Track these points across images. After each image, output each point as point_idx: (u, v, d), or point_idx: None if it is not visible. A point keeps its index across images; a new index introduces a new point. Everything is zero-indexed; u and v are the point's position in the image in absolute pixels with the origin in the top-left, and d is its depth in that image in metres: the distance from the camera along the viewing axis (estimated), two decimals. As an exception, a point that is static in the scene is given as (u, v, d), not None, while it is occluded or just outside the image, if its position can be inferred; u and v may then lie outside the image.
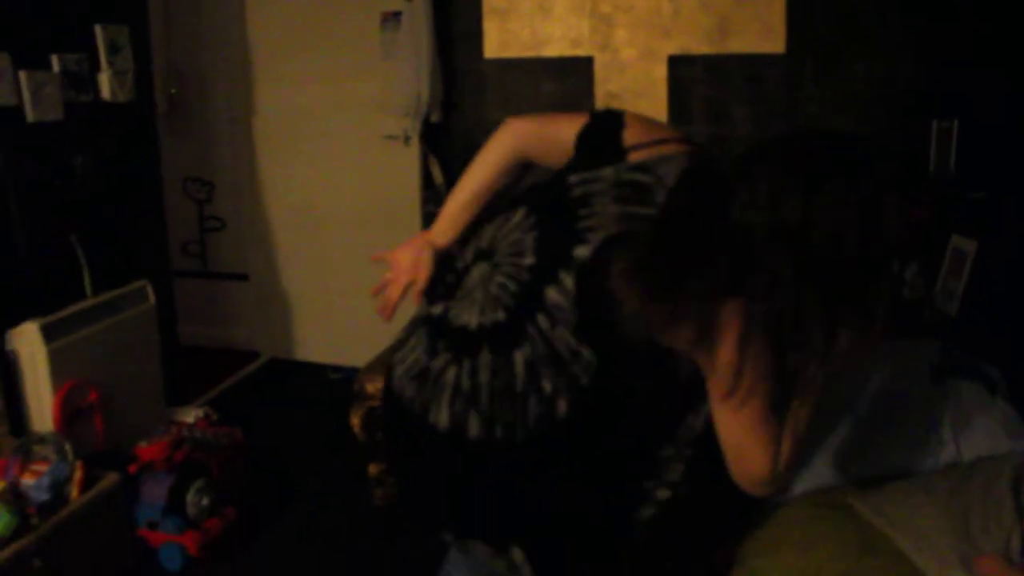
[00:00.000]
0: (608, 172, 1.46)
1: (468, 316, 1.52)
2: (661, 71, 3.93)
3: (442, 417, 1.49)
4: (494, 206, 1.65)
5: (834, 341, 1.28)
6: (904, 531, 1.82)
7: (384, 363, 1.76)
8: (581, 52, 3.98)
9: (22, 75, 2.84)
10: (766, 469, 1.37)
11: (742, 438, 1.36)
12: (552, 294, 1.44)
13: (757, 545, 1.92)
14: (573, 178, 1.49)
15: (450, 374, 1.50)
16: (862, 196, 1.26)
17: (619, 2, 3.90)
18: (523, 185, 1.64)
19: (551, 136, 1.63)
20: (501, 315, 1.48)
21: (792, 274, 1.26)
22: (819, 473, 2.01)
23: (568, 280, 1.43)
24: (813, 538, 1.87)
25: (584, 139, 1.56)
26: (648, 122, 1.57)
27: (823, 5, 3.69)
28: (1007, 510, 1.78)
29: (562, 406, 1.41)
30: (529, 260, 1.49)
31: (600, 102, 3.98)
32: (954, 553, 1.74)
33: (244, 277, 4.60)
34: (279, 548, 2.89)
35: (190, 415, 3.36)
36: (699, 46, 3.87)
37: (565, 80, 4.04)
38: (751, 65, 3.82)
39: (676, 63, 3.90)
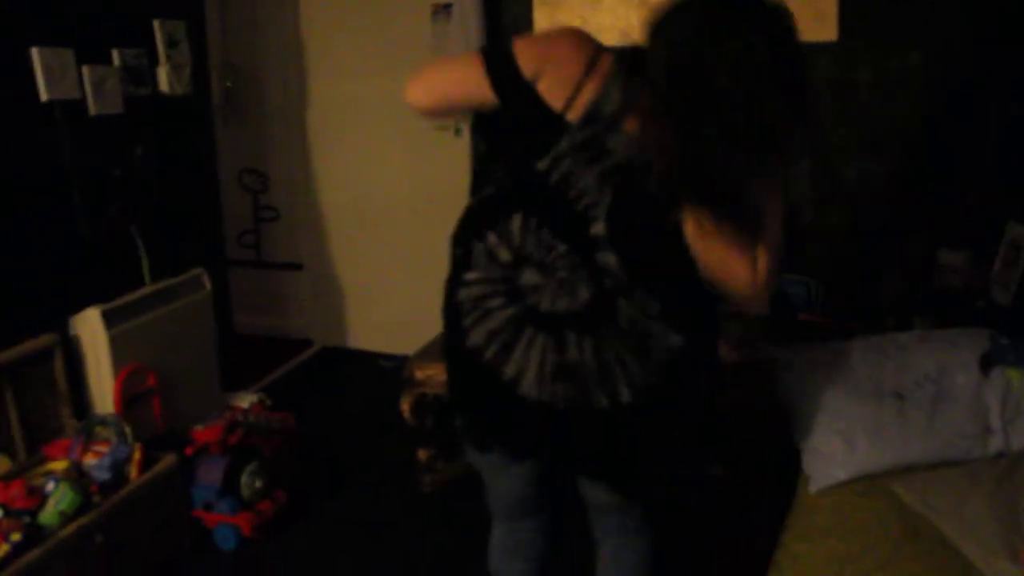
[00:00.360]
0: (564, 145, 1.52)
1: (549, 303, 1.58)
2: (711, 59, 3.90)
3: (531, 391, 1.60)
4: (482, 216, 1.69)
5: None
6: (949, 519, 1.81)
7: (434, 350, 1.82)
8: (631, 42, 3.97)
9: (85, 70, 2.94)
10: (749, 277, 1.53)
11: (724, 256, 1.52)
12: (605, 263, 1.54)
13: (800, 530, 1.92)
14: (541, 165, 1.54)
15: (535, 350, 1.59)
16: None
17: (669, -9, 3.88)
18: (491, 186, 1.66)
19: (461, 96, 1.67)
20: (585, 296, 1.56)
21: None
22: (864, 460, 2.00)
23: (608, 257, 1.53)
24: (856, 524, 1.87)
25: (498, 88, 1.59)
26: (539, 44, 1.60)
27: (876, -11, 3.63)
28: (1056, 500, 1.75)
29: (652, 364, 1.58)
30: (563, 247, 1.56)
31: (649, 91, 3.97)
32: (1001, 543, 1.73)
33: (298, 267, 4.69)
34: (329, 531, 2.95)
35: (245, 401, 3.45)
36: (751, 34, 3.83)
37: (614, 70, 4.03)
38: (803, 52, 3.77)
39: (727, 52, 3.86)
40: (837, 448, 2.01)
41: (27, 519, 2.32)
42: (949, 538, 1.78)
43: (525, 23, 4.08)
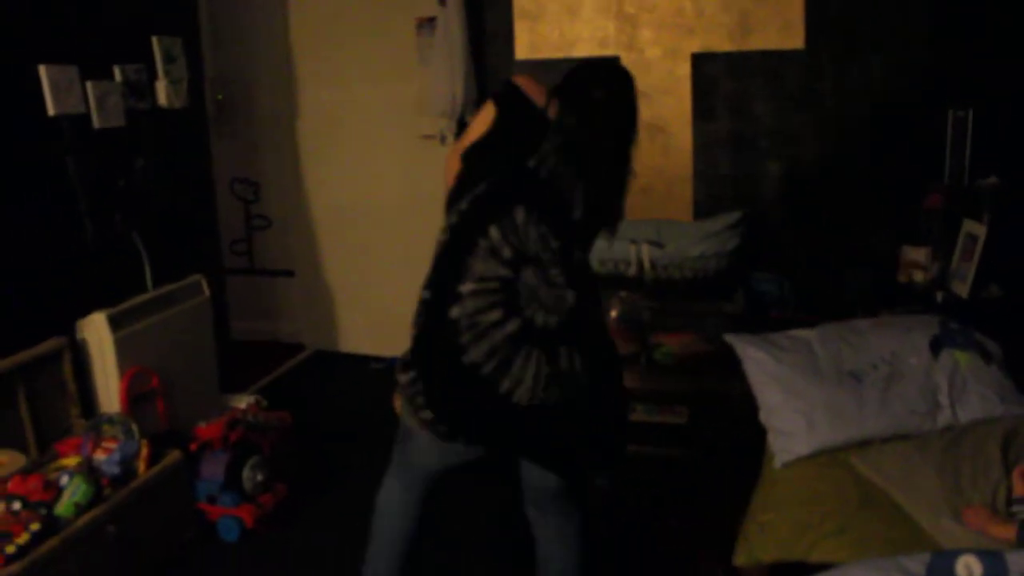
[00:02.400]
0: (547, 146, 1.80)
1: (541, 318, 1.76)
2: (685, 69, 4.08)
3: (523, 398, 1.77)
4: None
5: None
6: (899, 486, 1.98)
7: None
8: (608, 52, 4.14)
9: (89, 85, 3.09)
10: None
11: None
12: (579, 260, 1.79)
13: (767, 501, 2.09)
14: (531, 163, 1.80)
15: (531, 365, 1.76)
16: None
17: (643, 3, 4.07)
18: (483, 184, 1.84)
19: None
20: (571, 302, 1.76)
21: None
22: (824, 436, 2.17)
23: (578, 253, 1.79)
24: (817, 494, 2.04)
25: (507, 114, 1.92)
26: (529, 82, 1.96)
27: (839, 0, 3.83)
28: (995, 466, 1.94)
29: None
30: (556, 243, 1.76)
31: (626, 100, 4.14)
32: (945, 505, 1.90)
33: (290, 273, 4.84)
34: (327, 523, 3.09)
35: (242, 401, 3.59)
36: (721, 44, 4.02)
37: (592, 79, 4.20)
38: (771, 61, 3.96)
39: (699, 61, 4.05)
40: (799, 426, 2.19)
41: (44, 511, 2.46)
42: (900, 503, 1.95)
43: (506, 36, 4.25)
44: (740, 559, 1.97)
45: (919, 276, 3.42)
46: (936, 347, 2.30)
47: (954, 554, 1.67)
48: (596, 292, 1.92)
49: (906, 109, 3.80)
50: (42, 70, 2.91)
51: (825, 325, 2.51)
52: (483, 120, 1.91)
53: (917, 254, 3.47)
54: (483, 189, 1.79)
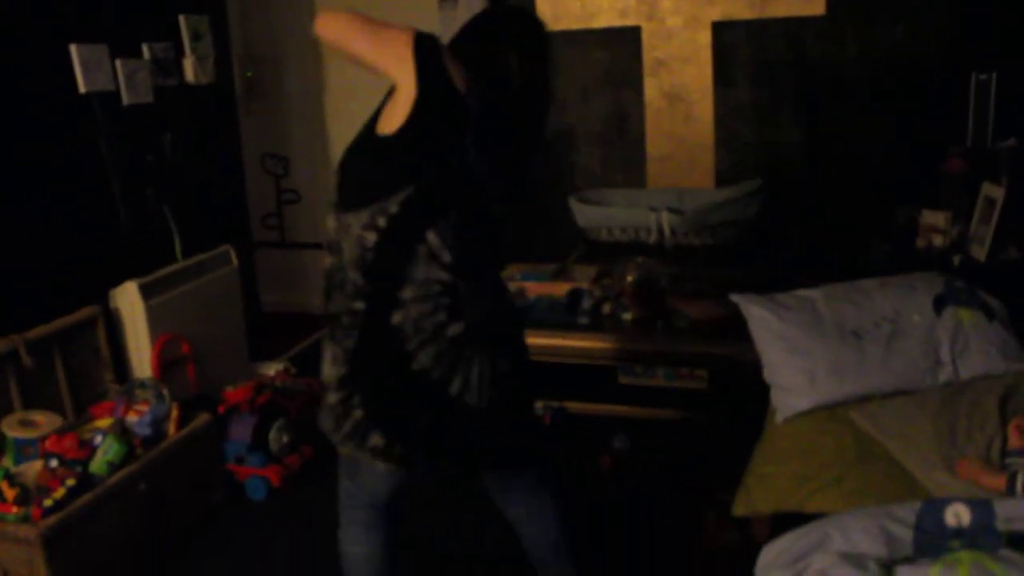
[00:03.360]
0: (465, 140, 1.67)
1: (476, 318, 1.75)
2: (706, 37, 4.09)
3: (472, 399, 1.77)
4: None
5: None
6: (896, 439, 2.02)
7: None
8: (629, 22, 4.16)
9: (118, 63, 3.19)
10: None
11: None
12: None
13: (767, 455, 2.14)
14: (454, 161, 1.67)
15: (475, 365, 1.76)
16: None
17: (663, -28, 4.08)
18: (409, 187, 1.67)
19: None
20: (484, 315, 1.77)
21: None
22: (824, 392, 2.21)
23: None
24: (815, 447, 2.08)
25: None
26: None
27: (859, -37, 3.81)
28: (992, 420, 1.96)
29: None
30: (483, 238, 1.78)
31: (648, 70, 4.17)
32: (939, 456, 1.94)
33: (319, 246, 4.91)
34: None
35: (271, 369, 3.70)
36: (741, 12, 4.01)
37: (614, 49, 4.23)
38: (792, 28, 3.96)
39: (720, 29, 4.05)
40: (800, 382, 2.23)
41: (79, 468, 2.59)
42: (896, 456, 1.99)
43: (529, 7, 4.28)
44: (739, 509, 2.02)
45: (938, 240, 3.41)
46: (940, 305, 2.32)
47: (944, 502, 1.70)
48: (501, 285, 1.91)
49: (929, 74, 3.77)
50: (73, 49, 3.02)
51: (831, 285, 2.54)
52: (404, 101, 1.62)
53: (936, 219, 3.46)
54: (412, 193, 1.63)
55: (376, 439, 1.76)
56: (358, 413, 1.76)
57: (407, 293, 1.67)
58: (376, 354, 1.73)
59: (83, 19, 3.08)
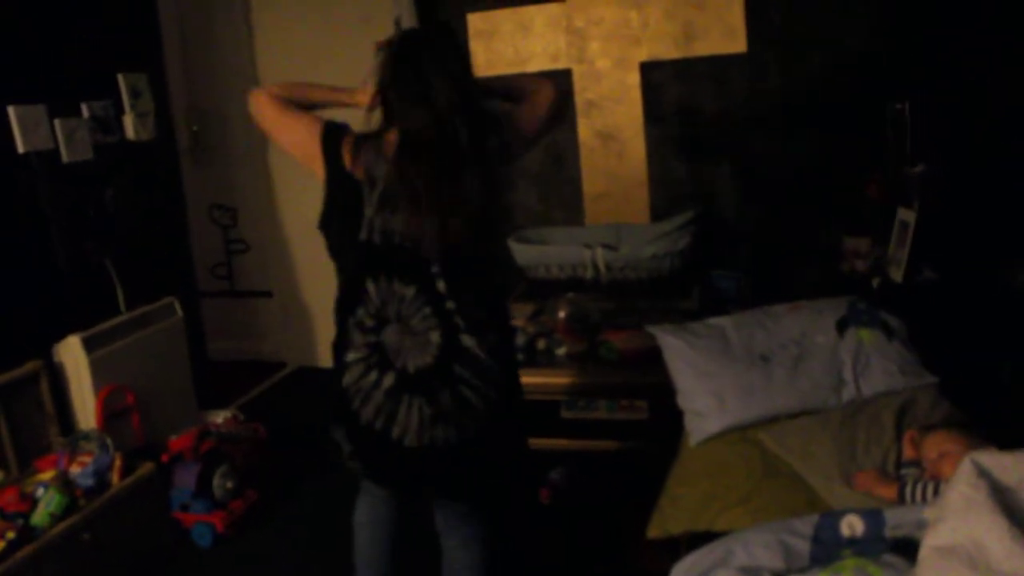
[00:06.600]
0: (368, 211, 1.89)
1: (413, 365, 1.90)
2: (634, 78, 4.23)
3: (414, 442, 1.93)
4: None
5: None
6: (800, 457, 2.12)
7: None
8: (560, 65, 4.30)
9: (56, 123, 3.27)
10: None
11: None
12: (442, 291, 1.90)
13: (680, 476, 2.23)
14: (362, 235, 1.90)
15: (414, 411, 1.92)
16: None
17: (591, 16, 4.22)
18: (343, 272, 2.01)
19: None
20: (437, 340, 1.90)
21: None
22: (734, 415, 2.32)
23: (442, 284, 1.90)
24: (725, 468, 2.18)
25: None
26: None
27: (777, 2, 3.98)
28: (888, 433, 2.08)
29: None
30: (411, 290, 1.89)
31: (580, 111, 4.30)
32: (838, 471, 2.04)
33: (269, 294, 5.01)
34: (298, 528, 3.23)
35: (220, 417, 3.75)
36: (668, 52, 4.16)
37: (548, 92, 4.36)
38: (717, 65, 4.12)
39: (648, 69, 4.20)
40: (711, 406, 2.33)
41: (20, 521, 2.62)
42: (799, 472, 2.08)
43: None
44: (653, 531, 2.10)
45: (860, 265, 3.55)
46: (842, 326, 2.43)
47: (840, 514, 1.80)
48: (500, 307, 2.06)
49: (848, 104, 3.93)
50: (11, 110, 3.09)
51: (742, 312, 2.65)
52: (298, 139, 2.03)
53: (858, 244, 3.60)
54: (343, 277, 1.97)
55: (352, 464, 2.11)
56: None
57: (350, 356, 1.94)
58: (337, 411, 2.03)
59: (21, 79, 3.16)
